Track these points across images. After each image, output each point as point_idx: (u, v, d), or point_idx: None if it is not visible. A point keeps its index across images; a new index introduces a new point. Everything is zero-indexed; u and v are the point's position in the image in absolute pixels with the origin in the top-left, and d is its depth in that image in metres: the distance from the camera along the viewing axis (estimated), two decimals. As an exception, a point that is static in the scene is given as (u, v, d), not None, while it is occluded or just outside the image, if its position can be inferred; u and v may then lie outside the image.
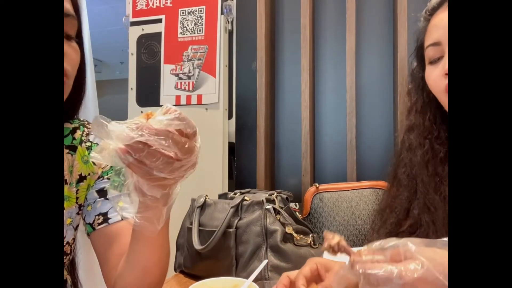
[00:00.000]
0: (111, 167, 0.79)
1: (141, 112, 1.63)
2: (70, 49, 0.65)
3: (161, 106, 0.51)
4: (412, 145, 0.83)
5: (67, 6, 0.64)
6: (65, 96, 0.67)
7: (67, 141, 0.76)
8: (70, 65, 0.65)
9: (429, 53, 0.77)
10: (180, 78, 1.55)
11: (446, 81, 0.73)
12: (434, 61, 0.77)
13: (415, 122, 0.85)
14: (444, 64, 0.74)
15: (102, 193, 0.76)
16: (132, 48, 1.64)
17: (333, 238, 0.50)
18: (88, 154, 0.78)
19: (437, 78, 0.76)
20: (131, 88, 1.65)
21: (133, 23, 1.64)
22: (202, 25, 1.53)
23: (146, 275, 0.67)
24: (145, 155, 0.48)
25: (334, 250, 0.50)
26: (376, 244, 0.46)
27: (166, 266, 0.70)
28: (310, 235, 0.97)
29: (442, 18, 0.77)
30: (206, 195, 1.06)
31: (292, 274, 0.63)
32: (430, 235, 0.78)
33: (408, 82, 0.90)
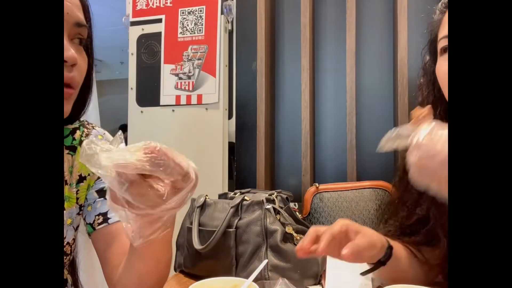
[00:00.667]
0: None
1: (141, 112, 1.64)
2: (80, 58, 0.65)
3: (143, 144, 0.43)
4: None
5: (80, 16, 0.65)
6: (72, 101, 0.67)
7: (67, 141, 0.77)
8: (79, 74, 0.65)
9: (442, 44, 0.76)
10: (180, 78, 1.55)
11: None
12: (444, 54, 0.76)
13: None
14: None
15: (102, 193, 0.76)
16: (132, 48, 1.64)
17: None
18: None
19: (445, 74, 0.75)
20: (131, 88, 1.65)
21: (133, 23, 1.64)
22: (202, 25, 1.53)
23: (141, 283, 0.67)
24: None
25: (418, 119, 0.57)
26: None
27: (164, 274, 0.70)
28: (310, 235, 0.97)
29: None
30: (206, 195, 1.06)
31: (321, 229, 0.64)
32: (438, 229, 0.78)
33: (419, 76, 0.89)
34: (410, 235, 0.83)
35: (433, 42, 0.84)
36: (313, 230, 0.64)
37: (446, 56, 0.76)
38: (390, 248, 0.70)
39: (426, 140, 0.53)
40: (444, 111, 0.82)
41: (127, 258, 0.67)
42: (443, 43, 0.76)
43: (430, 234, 0.80)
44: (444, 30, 0.77)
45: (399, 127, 0.57)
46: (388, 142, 0.58)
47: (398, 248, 0.76)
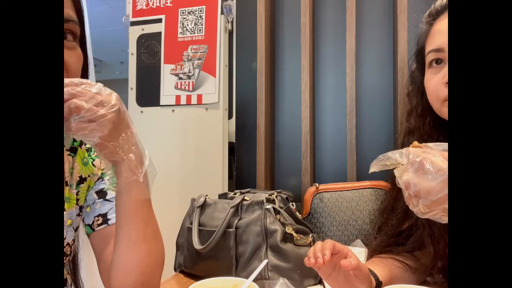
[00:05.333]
0: None
1: (141, 112, 1.64)
2: (69, 55, 0.63)
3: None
4: None
5: (70, 12, 0.63)
6: None
7: None
8: (67, 72, 0.63)
9: (430, 58, 0.76)
10: (180, 78, 1.55)
11: (446, 91, 0.72)
12: (435, 67, 0.75)
13: (415, 126, 0.85)
14: (445, 72, 0.72)
15: (101, 194, 0.76)
16: (132, 48, 1.64)
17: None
18: (88, 155, 0.78)
19: (436, 85, 0.74)
20: (131, 88, 1.65)
21: (133, 23, 1.64)
22: (202, 25, 1.53)
23: (131, 252, 0.64)
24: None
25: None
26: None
27: (154, 246, 0.67)
28: (310, 235, 0.97)
29: (446, 23, 0.75)
30: (206, 195, 1.06)
31: (338, 245, 0.66)
32: (425, 237, 0.78)
33: (407, 84, 0.90)
34: (399, 245, 0.83)
35: (420, 52, 0.84)
36: (331, 243, 0.66)
37: (434, 69, 0.76)
38: (379, 285, 0.72)
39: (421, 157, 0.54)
40: (433, 120, 0.82)
41: (115, 231, 0.66)
42: (431, 56, 0.76)
43: (417, 242, 0.80)
44: (432, 43, 0.77)
45: (387, 153, 0.58)
46: (379, 163, 0.59)
47: (387, 273, 0.77)
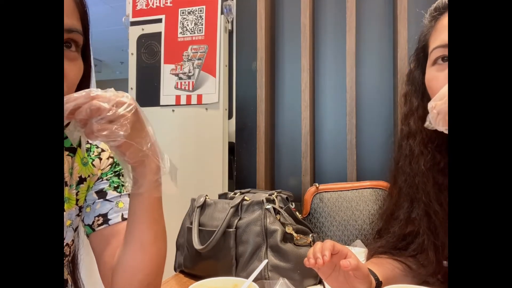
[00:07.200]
0: (110, 168, 0.79)
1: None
2: (69, 65, 0.62)
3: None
4: (413, 152, 0.80)
5: (74, 22, 0.63)
6: None
7: (67, 143, 0.76)
8: (67, 86, 0.62)
9: (436, 54, 0.72)
10: (180, 78, 1.55)
11: None
12: (441, 64, 0.71)
13: (415, 129, 0.81)
14: None
15: (101, 194, 0.76)
16: (132, 48, 1.64)
17: None
18: (88, 155, 0.78)
19: (442, 84, 0.69)
20: (131, 88, 1.65)
21: (133, 23, 1.64)
22: (202, 25, 1.53)
23: (143, 253, 0.65)
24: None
25: None
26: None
27: (162, 247, 0.68)
28: (310, 235, 0.97)
29: None
30: (206, 195, 1.06)
31: (338, 245, 0.66)
32: (428, 244, 0.77)
33: (404, 84, 0.86)
34: (400, 249, 0.82)
35: (422, 49, 0.80)
36: (330, 242, 0.65)
37: (440, 66, 0.72)
38: (379, 285, 0.71)
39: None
40: None
41: (126, 232, 0.67)
42: (438, 53, 0.72)
43: (419, 248, 0.79)
44: (438, 39, 0.72)
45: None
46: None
47: (387, 273, 0.77)
